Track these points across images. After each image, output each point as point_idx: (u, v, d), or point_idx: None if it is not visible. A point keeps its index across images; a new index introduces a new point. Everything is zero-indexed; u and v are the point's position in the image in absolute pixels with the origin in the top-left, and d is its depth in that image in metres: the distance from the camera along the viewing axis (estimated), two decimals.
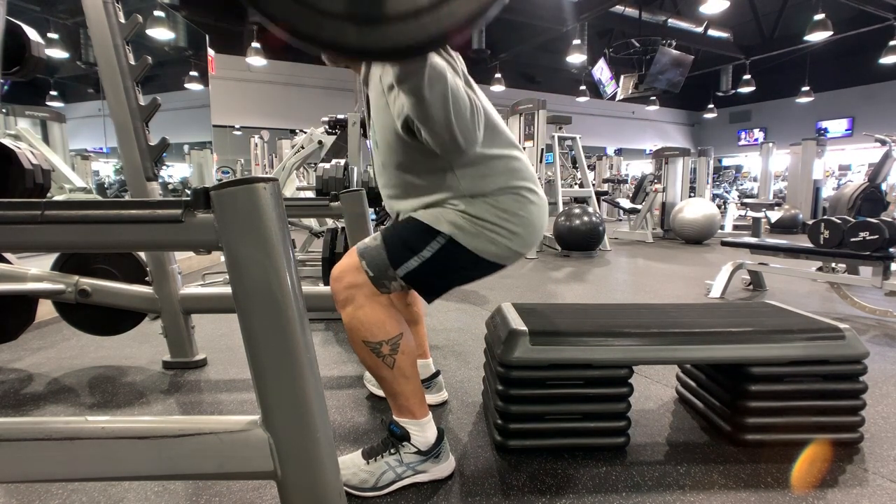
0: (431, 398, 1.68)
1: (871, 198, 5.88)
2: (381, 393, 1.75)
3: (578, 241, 5.54)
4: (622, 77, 11.46)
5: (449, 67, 0.96)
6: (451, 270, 1.22)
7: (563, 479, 1.26)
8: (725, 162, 18.91)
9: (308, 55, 13.98)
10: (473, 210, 1.17)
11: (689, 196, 7.53)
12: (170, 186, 10.91)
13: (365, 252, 1.18)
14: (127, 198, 1.29)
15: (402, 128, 1.13)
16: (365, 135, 4.46)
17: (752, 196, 11.42)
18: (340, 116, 4.38)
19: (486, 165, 1.18)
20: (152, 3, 8.19)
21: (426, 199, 1.21)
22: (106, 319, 2.12)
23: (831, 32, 9.16)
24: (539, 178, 5.70)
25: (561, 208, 6.08)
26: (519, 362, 1.31)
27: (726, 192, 11.97)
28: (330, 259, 2.66)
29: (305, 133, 4.74)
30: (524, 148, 5.84)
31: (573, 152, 7.61)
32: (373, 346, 1.17)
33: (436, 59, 0.89)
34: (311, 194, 4.89)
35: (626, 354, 1.35)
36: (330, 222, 3.90)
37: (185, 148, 10.66)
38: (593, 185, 7.87)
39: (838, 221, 2.86)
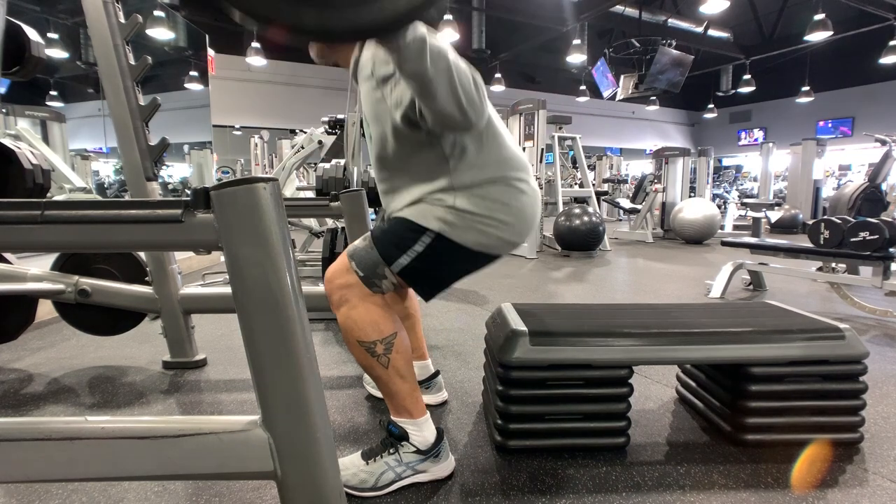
0: (431, 398, 1.69)
1: (871, 198, 5.87)
2: (379, 394, 1.75)
3: (578, 241, 5.54)
4: (622, 77, 11.45)
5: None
6: (444, 265, 1.21)
7: (563, 479, 1.26)
8: (725, 162, 18.89)
9: (307, 55, 13.95)
10: (462, 204, 1.16)
11: (689, 196, 7.53)
12: (170, 186, 10.91)
13: (354, 253, 1.19)
14: (127, 198, 1.29)
15: (402, 119, 1.12)
16: (364, 135, 4.45)
17: (752, 196, 11.41)
18: (340, 116, 4.38)
19: (478, 156, 1.17)
20: (152, 3, 8.19)
21: (416, 191, 1.20)
22: (106, 319, 2.12)
23: (831, 32, 9.15)
24: (539, 179, 5.73)
25: (561, 208, 6.08)
26: (519, 363, 1.31)
27: (726, 192, 11.97)
28: (330, 259, 2.66)
29: (305, 133, 4.73)
30: (524, 148, 5.84)
31: (573, 152, 7.61)
32: (367, 345, 1.17)
33: (433, 38, 0.88)
34: (311, 194, 4.88)
35: (626, 355, 1.35)
36: (330, 222, 3.90)
37: (185, 148, 10.67)
38: (593, 185, 7.87)
39: (838, 221, 2.86)
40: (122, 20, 1.83)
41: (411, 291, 1.65)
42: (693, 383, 1.67)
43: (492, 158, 1.19)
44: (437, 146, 1.16)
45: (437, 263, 1.19)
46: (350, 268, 1.17)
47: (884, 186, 5.97)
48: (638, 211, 7.60)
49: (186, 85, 10.35)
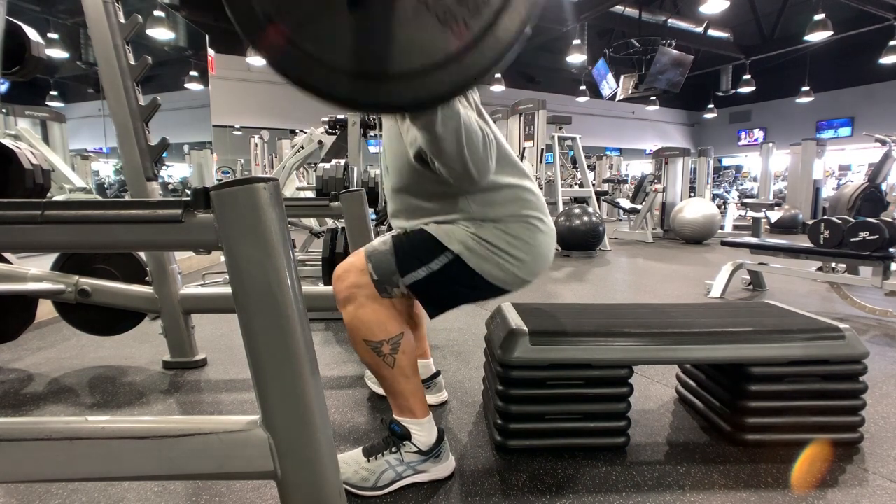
0: (431, 398, 1.68)
1: (871, 198, 5.88)
2: (381, 391, 1.75)
3: (578, 241, 5.54)
4: (622, 77, 11.45)
5: (462, 100, 0.98)
6: (456, 287, 1.22)
7: (563, 479, 1.26)
8: (725, 162, 18.90)
9: None
10: (483, 233, 1.19)
11: (689, 196, 7.53)
12: (170, 186, 10.91)
13: (373, 255, 1.18)
14: (127, 198, 1.29)
15: (415, 158, 1.14)
16: (365, 135, 4.46)
17: (752, 196, 11.42)
18: (340, 116, 4.38)
19: (497, 193, 1.20)
20: (152, 3, 8.18)
21: (437, 218, 1.23)
22: (106, 319, 2.12)
23: (831, 32, 9.15)
24: (539, 178, 5.73)
25: (561, 208, 6.08)
26: (519, 362, 1.31)
27: (726, 192, 11.97)
28: (330, 259, 2.66)
29: (305, 133, 4.73)
30: (524, 148, 5.84)
31: (573, 152, 7.61)
32: (373, 345, 1.17)
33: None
34: (311, 194, 4.89)
35: (626, 354, 1.35)
36: (330, 222, 3.90)
37: (185, 148, 10.67)
38: (593, 185, 7.87)
39: (838, 221, 2.86)
40: (122, 20, 1.83)
41: None
42: (693, 383, 1.67)
43: (510, 196, 1.22)
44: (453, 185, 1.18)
45: (449, 284, 1.21)
46: (366, 269, 1.17)
47: (884, 186, 5.97)
48: (638, 211, 7.60)
49: (186, 85, 10.34)
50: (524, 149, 5.84)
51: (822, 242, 2.91)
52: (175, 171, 12.39)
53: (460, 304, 1.28)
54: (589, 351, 1.33)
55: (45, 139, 6.33)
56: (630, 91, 11.31)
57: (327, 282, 2.67)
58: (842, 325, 1.40)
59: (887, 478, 1.27)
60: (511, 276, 1.21)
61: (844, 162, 15.80)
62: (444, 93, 0.70)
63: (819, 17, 9.02)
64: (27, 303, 2.11)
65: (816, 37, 9.33)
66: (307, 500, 0.80)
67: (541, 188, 5.83)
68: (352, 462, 1.21)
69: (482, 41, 0.68)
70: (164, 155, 1.97)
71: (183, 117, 10.81)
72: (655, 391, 1.82)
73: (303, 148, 4.64)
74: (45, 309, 2.44)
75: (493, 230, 1.19)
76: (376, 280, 1.16)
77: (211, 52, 9.27)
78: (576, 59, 10.83)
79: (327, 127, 4.48)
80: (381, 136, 1.50)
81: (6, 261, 2.05)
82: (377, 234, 2.94)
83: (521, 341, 1.32)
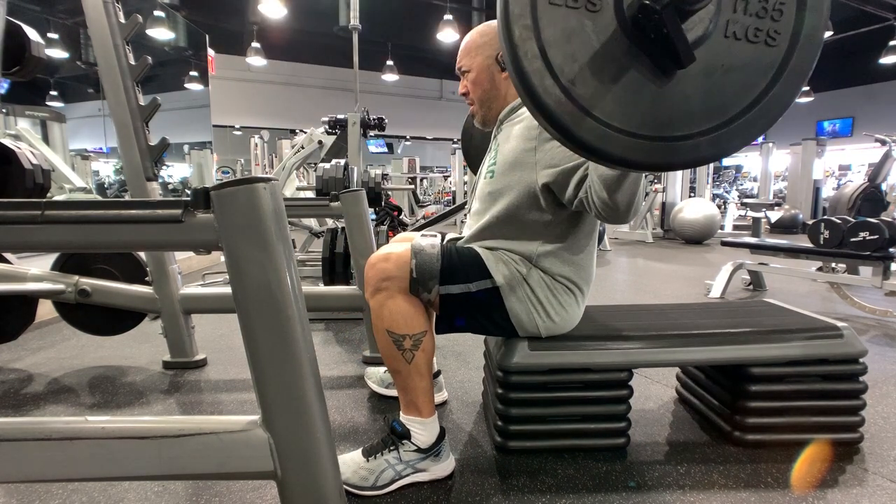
0: None
1: (871, 198, 5.87)
2: (380, 391, 1.76)
3: None
4: None
5: None
6: (479, 314, 1.26)
7: (563, 479, 1.26)
8: (725, 162, 18.82)
9: (308, 55, 13.97)
10: (531, 279, 1.23)
11: (689, 196, 7.53)
12: (170, 186, 10.91)
13: (420, 254, 1.19)
14: (127, 198, 1.29)
15: (541, 179, 1.17)
16: (365, 135, 4.46)
17: (752, 196, 11.42)
18: (340, 116, 4.38)
19: (568, 251, 1.25)
20: (152, 3, 8.19)
21: (501, 244, 1.27)
22: (106, 319, 2.12)
23: (831, 32, 9.15)
24: None
25: None
26: (518, 367, 1.31)
27: (726, 192, 11.96)
28: (330, 259, 2.66)
29: (305, 133, 4.73)
30: None
31: None
32: (396, 337, 1.17)
33: None
34: (311, 194, 4.88)
35: (626, 358, 1.35)
36: (330, 222, 3.90)
37: (185, 148, 10.67)
38: None
39: (838, 221, 2.86)
40: (122, 20, 1.83)
41: None
42: (693, 383, 1.67)
43: (577, 261, 1.27)
44: (546, 215, 1.22)
45: (474, 309, 1.24)
46: (409, 263, 1.17)
47: (884, 186, 5.97)
48: None
49: (186, 85, 10.34)
50: None
51: (822, 242, 2.91)
52: (175, 171, 12.39)
53: (470, 331, 1.31)
54: (588, 355, 1.33)
55: (45, 139, 6.33)
56: None
57: (327, 282, 2.67)
58: (840, 324, 1.39)
59: (887, 478, 1.27)
60: (533, 328, 1.26)
61: (844, 162, 15.79)
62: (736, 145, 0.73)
63: None
64: (27, 303, 2.11)
65: None
66: (307, 500, 0.80)
67: None
68: (351, 463, 1.21)
69: (794, 47, 0.73)
70: (164, 155, 1.97)
71: (183, 117, 10.82)
72: (655, 391, 1.82)
73: (303, 148, 4.64)
74: (45, 309, 2.44)
75: (541, 281, 1.24)
76: (415, 278, 1.16)
77: (211, 52, 9.28)
78: None
79: (327, 127, 4.48)
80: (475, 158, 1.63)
81: (6, 261, 2.05)
82: (377, 234, 2.94)
83: (519, 346, 1.32)
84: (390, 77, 12.92)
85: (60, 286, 1.93)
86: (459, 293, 1.20)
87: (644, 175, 0.98)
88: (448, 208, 5.67)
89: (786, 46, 0.71)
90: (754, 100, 0.72)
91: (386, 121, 4.50)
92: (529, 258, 1.25)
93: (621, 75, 0.69)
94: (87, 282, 1.95)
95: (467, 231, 1.37)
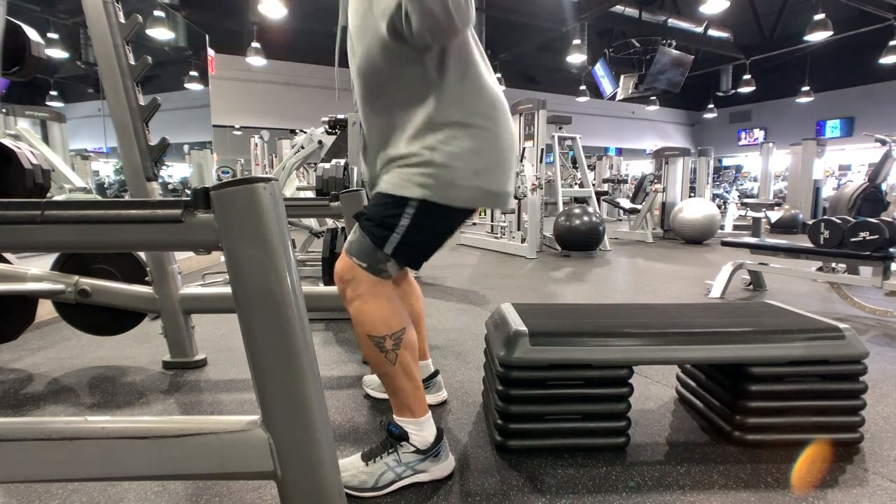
0: (431, 398, 1.68)
1: (871, 198, 5.87)
2: (377, 395, 1.76)
3: (578, 241, 5.54)
4: (622, 77, 11.45)
5: None
6: (432, 230, 1.20)
7: (563, 479, 1.26)
8: (725, 162, 18.89)
9: (308, 55, 13.98)
10: (440, 157, 1.13)
11: (689, 196, 7.53)
12: (170, 186, 10.91)
13: (350, 248, 1.19)
14: (127, 198, 1.29)
15: (388, 28, 1.09)
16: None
17: (752, 196, 11.41)
18: (340, 116, 4.38)
19: (460, 85, 1.14)
20: (152, 3, 8.18)
21: (403, 142, 1.16)
22: (106, 319, 2.12)
23: (831, 32, 9.16)
24: (539, 179, 5.72)
25: (561, 208, 6.08)
26: (519, 363, 1.31)
27: (726, 192, 11.96)
28: (330, 259, 2.66)
29: (305, 133, 4.73)
30: (524, 148, 5.84)
31: (573, 152, 7.61)
32: (377, 340, 1.17)
33: None
34: (311, 194, 4.89)
35: (626, 355, 1.35)
36: (330, 222, 3.90)
37: (185, 148, 10.66)
38: (593, 185, 7.86)
39: (838, 221, 2.86)
40: (122, 20, 1.83)
41: (417, 290, 1.66)
42: (693, 383, 1.67)
43: (474, 91, 1.16)
44: (420, 64, 1.12)
45: (425, 231, 1.18)
46: (352, 263, 1.17)
47: (884, 186, 5.96)
48: (638, 211, 7.60)
49: (186, 85, 10.34)
50: (524, 149, 5.83)
51: (822, 242, 2.91)
52: (175, 171, 12.39)
53: (442, 242, 1.25)
54: (589, 351, 1.33)
55: (45, 139, 6.32)
56: (630, 91, 11.31)
57: (327, 282, 2.67)
58: (842, 325, 1.40)
59: (887, 478, 1.27)
60: (477, 192, 1.16)
61: (844, 162, 15.80)
62: None
63: (819, 16, 9.02)
64: (27, 303, 2.11)
65: (816, 37, 9.33)
66: (307, 500, 0.80)
67: (541, 188, 5.84)
68: (350, 467, 1.21)
69: None
70: (164, 155, 1.97)
71: (183, 117, 10.81)
72: (655, 391, 1.82)
73: (303, 148, 4.64)
74: (45, 309, 2.44)
75: (452, 141, 1.13)
76: (366, 266, 1.16)
77: (211, 52, 9.27)
78: (576, 59, 10.84)
79: (327, 127, 4.48)
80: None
81: (6, 261, 2.04)
82: None
83: (521, 342, 1.32)
84: None
85: (60, 286, 1.93)
86: (402, 236, 1.14)
87: None
88: None
89: None
90: None
91: None
92: (431, 122, 1.13)
93: None
94: (86, 282, 1.95)
95: (370, 166, 1.29)
